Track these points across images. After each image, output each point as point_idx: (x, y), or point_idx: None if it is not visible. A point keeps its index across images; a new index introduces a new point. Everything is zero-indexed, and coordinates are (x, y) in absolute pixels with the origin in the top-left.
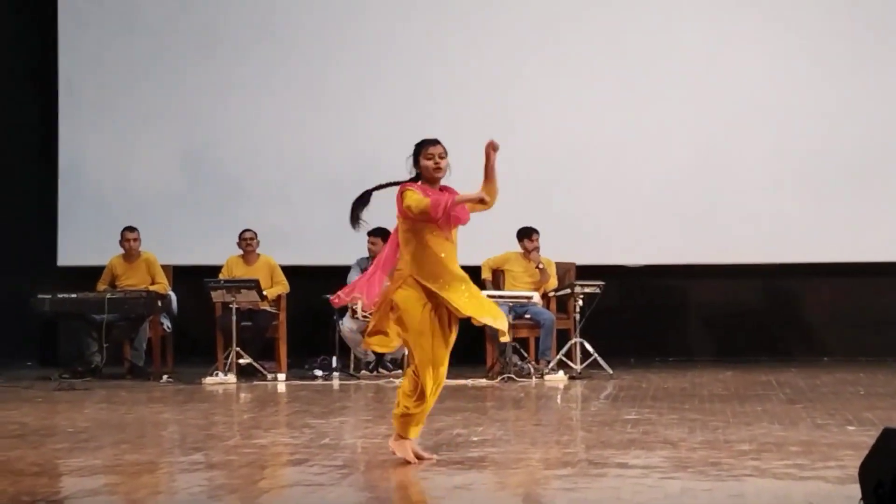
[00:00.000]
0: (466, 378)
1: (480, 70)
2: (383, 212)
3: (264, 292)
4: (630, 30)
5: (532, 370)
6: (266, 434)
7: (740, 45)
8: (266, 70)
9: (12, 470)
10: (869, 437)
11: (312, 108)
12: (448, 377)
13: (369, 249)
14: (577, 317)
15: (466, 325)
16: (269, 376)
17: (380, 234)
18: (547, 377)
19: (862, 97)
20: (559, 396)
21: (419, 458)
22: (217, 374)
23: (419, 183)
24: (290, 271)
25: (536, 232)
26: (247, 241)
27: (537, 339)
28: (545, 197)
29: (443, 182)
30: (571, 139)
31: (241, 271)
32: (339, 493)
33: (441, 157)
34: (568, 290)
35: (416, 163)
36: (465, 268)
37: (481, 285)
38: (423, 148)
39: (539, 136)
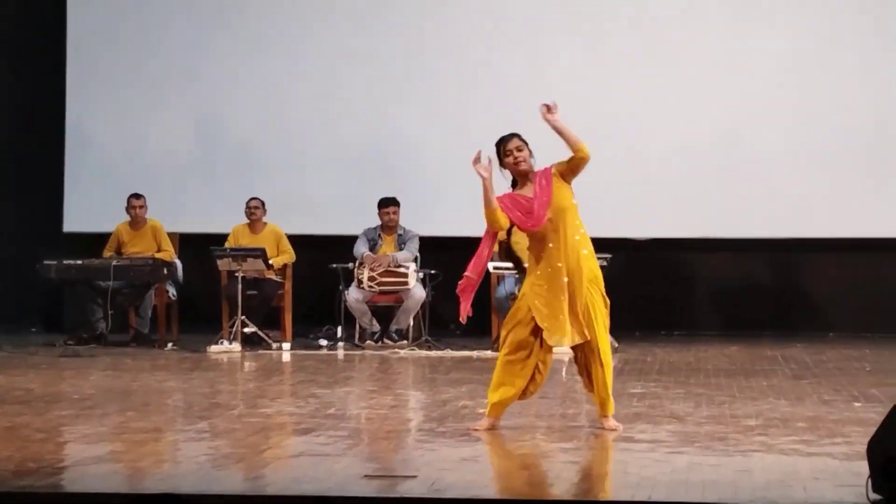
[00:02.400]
0: (472, 350)
1: (491, 42)
2: (397, 184)
3: (270, 261)
4: (647, 2)
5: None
6: (271, 403)
7: (757, 20)
8: (277, 38)
9: (18, 436)
10: (876, 414)
11: (325, 78)
12: (453, 348)
13: (390, 219)
14: None
15: (474, 295)
16: (274, 345)
17: (395, 203)
18: (553, 350)
19: (878, 73)
20: (564, 369)
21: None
22: (222, 343)
23: (510, 191)
24: (297, 240)
25: None
26: (252, 210)
27: None
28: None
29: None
30: (581, 112)
31: (247, 240)
32: (344, 464)
33: (519, 150)
34: None
35: (501, 164)
36: (471, 239)
37: None
38: (500, 147)
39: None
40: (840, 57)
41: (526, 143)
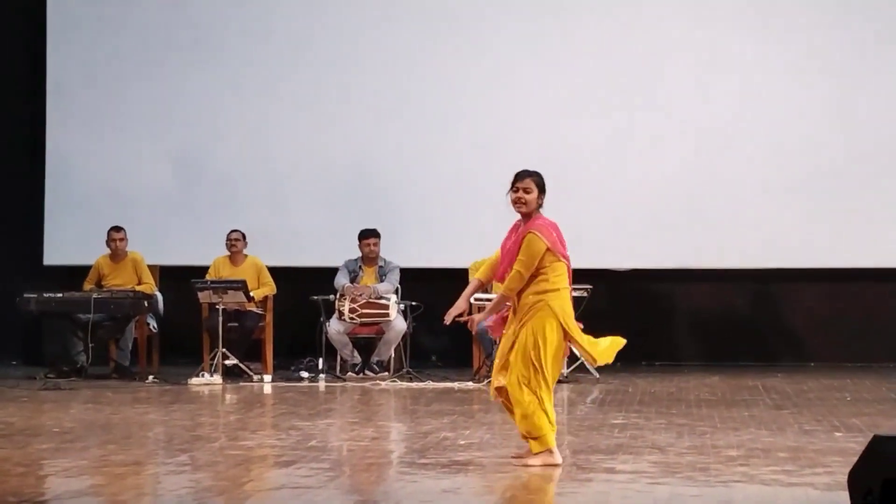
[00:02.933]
0: (453, 381)
1: (472, 74)
2: (378, 215)
3: (251, 293)
4: (620, 36)
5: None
6: (252, 436)
7: (730, 52)
8: (255, 71)
9: None
10: (856, 444)
11: (302, 109)
12: (435, 380)
13: (370, 251)
14: None
15: (455, 327)
16: (256, 377)
17: (375, 234)
18: None
19: (850, 104)
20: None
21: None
22: (203, 375)
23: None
24: (278, 272)
25: None
26: (232, 242)
27: None
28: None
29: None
30: (561, 144)
31: (227, 272)
32: (326, 496)
33: (526, 192)
34: None
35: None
36: (452, 270)
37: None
38: (514, 180)
39: (528, 140)
40: (810, 87)
41: (539, 188)
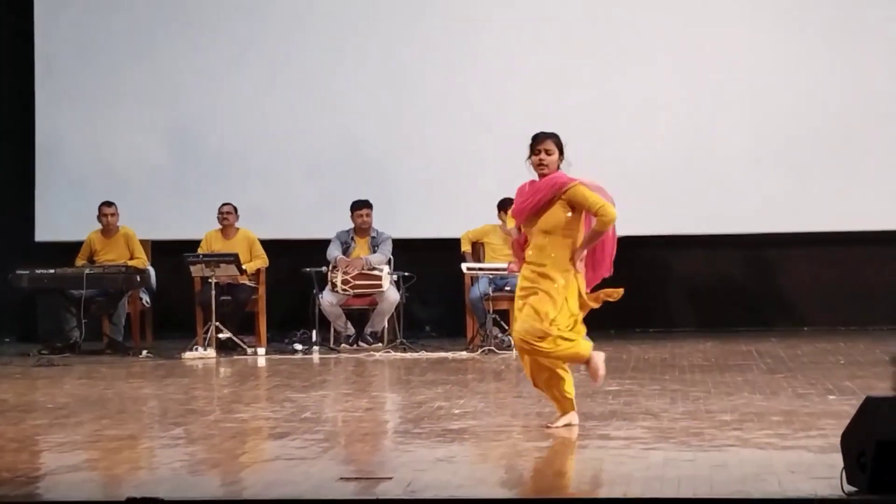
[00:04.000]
0: (447, 351)
1: (463, 45)
2: (369, 186)
3: (243, 266)
4: (614, 9)
5: (512, 342)
6: (247, 408)
7: (721, 21)
8: (247, 45)
9: None
10: (850, 406)
11: (293, 82)
12: (428, 350)
13: (363, 221)
14: None
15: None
16: (249, 350)
17: (368, 205)
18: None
19: (839, 69)
20: None
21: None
22: (196, 349)
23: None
24: (270, 245)
25: None
26: (224, 215)
27: None
28: (529, 169)
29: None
30: (552, 113)
31: (219, 245)
32: (320, 467)
33: (548, 154)
34: None
35: (530, 156)
36: (444, 241)
37: (461, 258)
38: (534, 141)
39: (519, 109)
40: (803, 50)
41: (559, 148)
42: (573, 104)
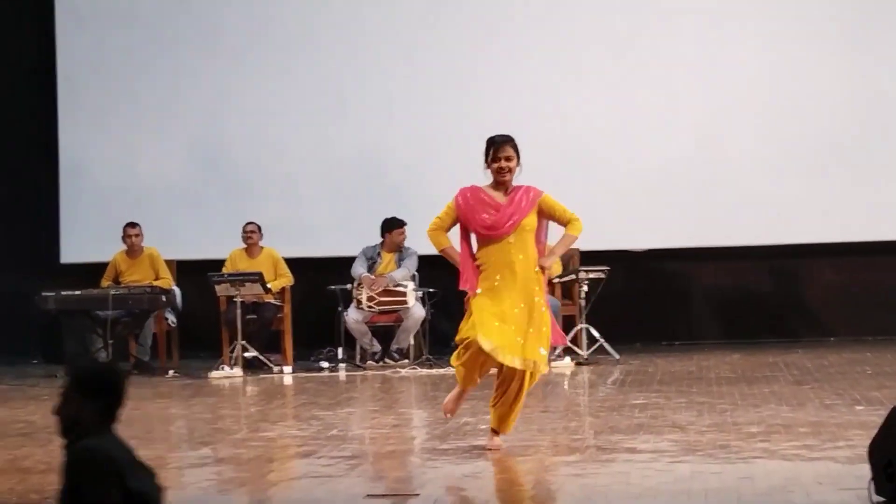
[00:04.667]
0: None
1: (481, 59)
2: (392, 204)
3: (268, 285)
4: (628, 17)
5: (521, 362)
6: (273, 427)
7: (736, 29)
8: (268, 63)
9: (20, 468)
10: (877, 417)
11: (316, 99)
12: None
13: (403, 240)
14: (583, 303)
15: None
16: (276, 369)
17: (404, 223)
18: (553, 364)
19: (859, 77)
20: (566, 382)
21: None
22: (223, 368)
23: (477, 186)
24: (294, 263)
25: None
26: (248, 234)
27: None
28: (548, 184)
29: (517, 182)
30: (574, 126)
31: (244, 264)
32: (347, 484)
33: (507, 160)
34: (573, 276)
35: (487, 164)
36: None
37: None
38: (490, 148)
39: (541, 123)
40: (821, 61)
41: (517, 153)
42: (592, 119)
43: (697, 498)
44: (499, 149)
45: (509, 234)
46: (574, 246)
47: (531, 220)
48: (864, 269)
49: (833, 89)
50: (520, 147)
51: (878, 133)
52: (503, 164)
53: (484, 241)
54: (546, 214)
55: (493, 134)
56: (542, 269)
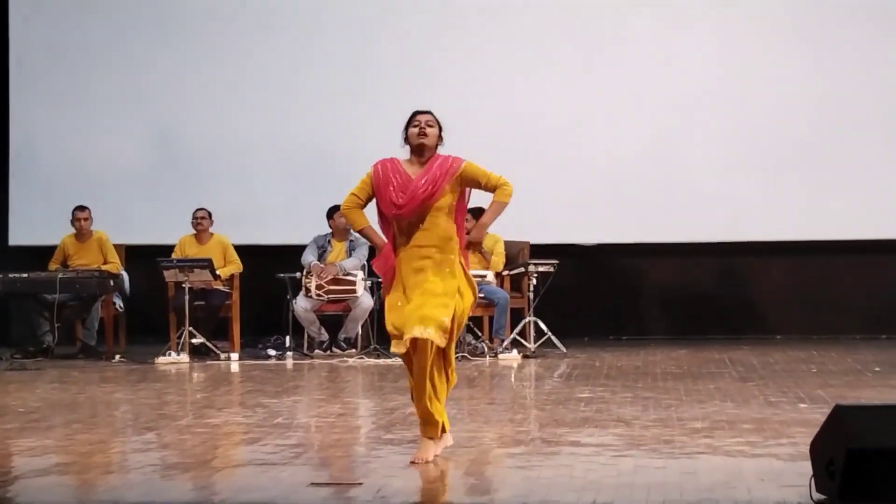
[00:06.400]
0: None
1: (436, 50)
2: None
3: (217, 271)
4: (584, 11)
5: (486, 349)
6: (219, 413)
7: (691, 27)
8: (219, 48)
9: None
10: (821, 415)
11: (269, 87)
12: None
13: (345, 224)
14: (531, 296)
15: None
16: (223, 356)
17: None
18: (501, 356)
19: (810, 78)
20: (513, 375)
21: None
22: (170, 354)
23: (394, 158)
24: (244, 250)
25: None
26: (198, 220)
27: (491, 318)
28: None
29: (441, 151)
30: (526, 119)
31: (193, 250)
32: (291, 472)
33: (429, 126)
34: (522, 269)
35: (406, 136)
36: None
37: None
38: (410, 119)
39: (494, 115)
40: (775, 60)
41: (439, 125)
42: (545, 111)
43: (640, 492)
44: (419, 114)
45: (415, 214)
46: (524, 239)
47: (446, 200)
48: (812, 268)
49: (786, 89)
50: (472, 138)
51: (830, 133)
52: (422, 126)
53: (393, 220)
54: (470, 183)
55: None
56: (473, 244)
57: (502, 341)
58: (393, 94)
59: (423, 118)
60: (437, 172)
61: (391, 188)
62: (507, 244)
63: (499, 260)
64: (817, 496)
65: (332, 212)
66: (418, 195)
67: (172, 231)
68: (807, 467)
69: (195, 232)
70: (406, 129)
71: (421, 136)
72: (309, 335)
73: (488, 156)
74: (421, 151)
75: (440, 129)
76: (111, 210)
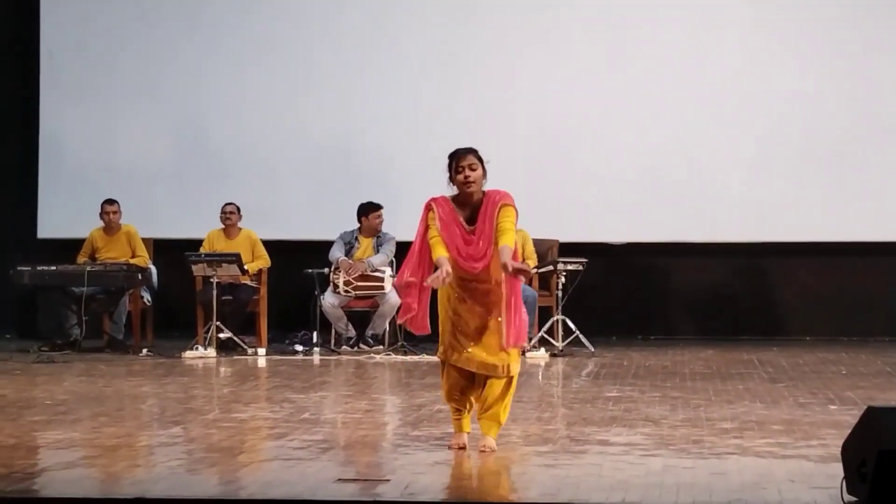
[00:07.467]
0: None
1: (466, 51)
2: (371, 188)
3: (245, 266)
4: (613, 10)
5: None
6: (246, 408)
7: (721, 27)
8: (251, 44)
9: None
10: (851, 417)
11: (298, 82)
12: (429, 353)
13: (380, 223)
14: (560, 294)
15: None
16: (250, 351)
17: (381, 207)
18: (528, 354)
19: (840, 79)
20: (540, 373)
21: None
22: (197, 349)
23: (450, 201)
24: (272, 246)
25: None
26: (227, 215)
27: None
28: (530, 174)
29: (488, 188)
30: (557, 118)
31: (221, 245)
32: (318, 468)
33: (472, 169)
34: (551, 267)
35: (451, 178)
36: None
37: None
38: (453, 160)
39: (524, 114)
40: (802, 61)
41: (482, 162)
42: (575, 111)
43: (669, 492)
44: (461, 158)
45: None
46: (553, 237)
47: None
48: (841, 270)
49: (815, 89)
50: (501, 138)
51: (859, 134)
52: (467, 172)
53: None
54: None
55: (470, 125)
56: (520, 271)
57: (530, 339)
58: (419, 92)
59: (465, 162)
60: (488, 229)
61: (456, 248)
62: (536, 242)
63: (531, 259)
64: (848, 498)
65: (366, 209)
66: (487, 257)
67: (201, 225)
68: (837, 469)
69: (224, 226)
70: (449, 170)
71: (468, 184)
72: (336, 331)
73: (517, 155)
74: (469, 197)
75: (483, 165)
76: (139, 204)
